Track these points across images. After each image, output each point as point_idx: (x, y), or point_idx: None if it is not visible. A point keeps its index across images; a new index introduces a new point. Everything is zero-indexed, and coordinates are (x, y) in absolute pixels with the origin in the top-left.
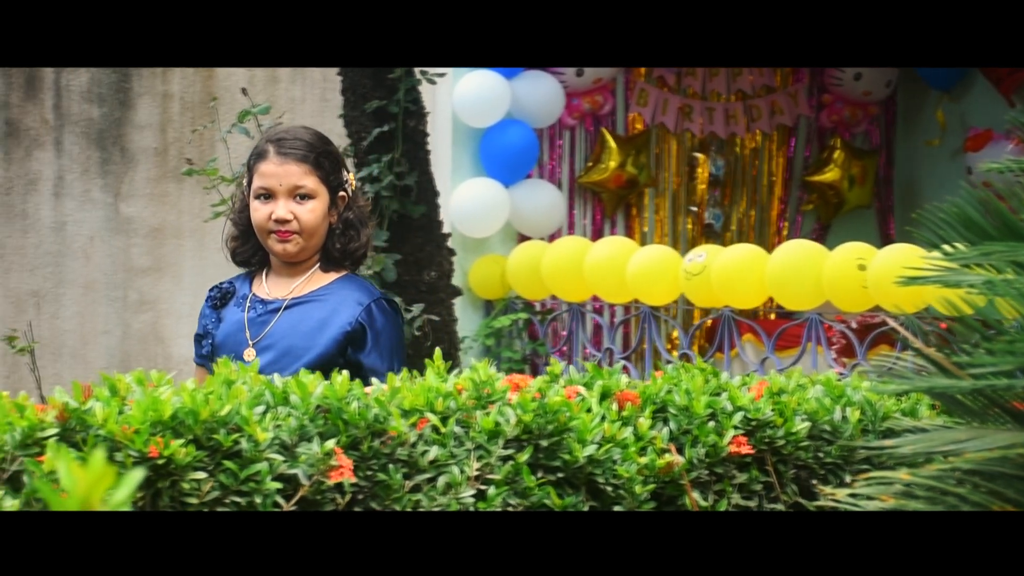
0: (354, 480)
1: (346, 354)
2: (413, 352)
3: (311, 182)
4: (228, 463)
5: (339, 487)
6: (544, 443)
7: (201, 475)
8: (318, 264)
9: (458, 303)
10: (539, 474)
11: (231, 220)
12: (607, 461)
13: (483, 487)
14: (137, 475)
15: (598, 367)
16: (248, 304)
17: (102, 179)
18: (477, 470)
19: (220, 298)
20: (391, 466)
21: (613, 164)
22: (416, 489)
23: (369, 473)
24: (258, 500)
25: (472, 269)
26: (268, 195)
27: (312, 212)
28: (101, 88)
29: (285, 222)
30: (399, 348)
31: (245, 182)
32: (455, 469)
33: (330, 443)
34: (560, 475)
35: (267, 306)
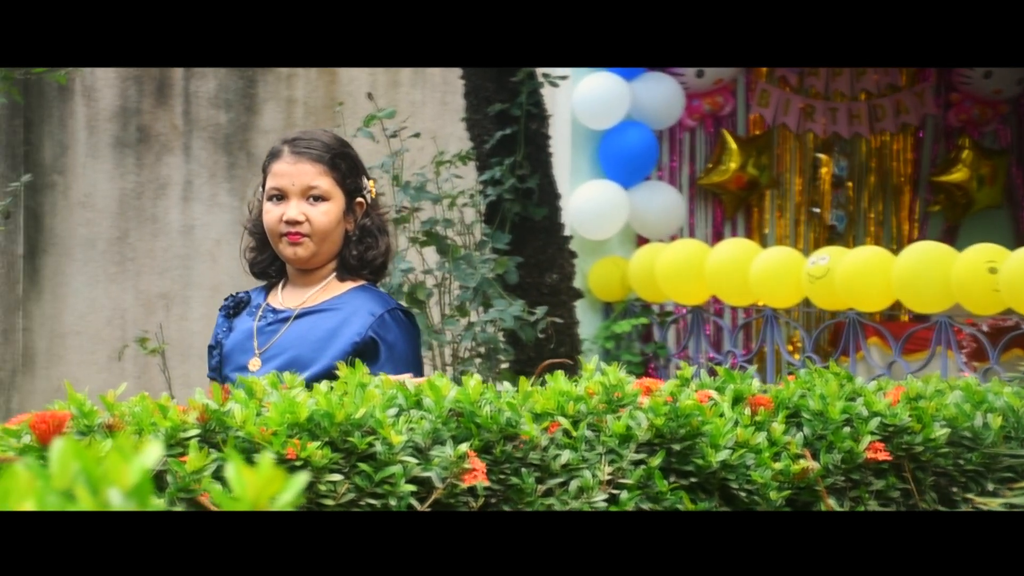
0: (487, 483)
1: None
2: (535, 355)
3: (325, 183)
4: (363, 465)
5: (472, 490)
6: (676, 447)
7: (337, 477)
8: (334, 273)
9: (578, 305)
10: (671, 479)
11: (247, 229)
12: (740, 466)
13: (615, 491)
14: (303, 478)
15: (730, 371)
16: (260, 313)
17: (228, 183)
18: (609, 474)
19: (234, 307)
20: (523, 470)
21: (734, 165)
22: (548, 493)
23: (502, 477)
24: (392, 502)
25: (591, 271)
26: (281, 196)
27: (325, 215)
28: (228, 94)
29: (296, 223)
30: (415, 360)
31: (260, 187)
32: (587, 473)
33: (463, 446)
34: (693, 480)
35: (277, 315)
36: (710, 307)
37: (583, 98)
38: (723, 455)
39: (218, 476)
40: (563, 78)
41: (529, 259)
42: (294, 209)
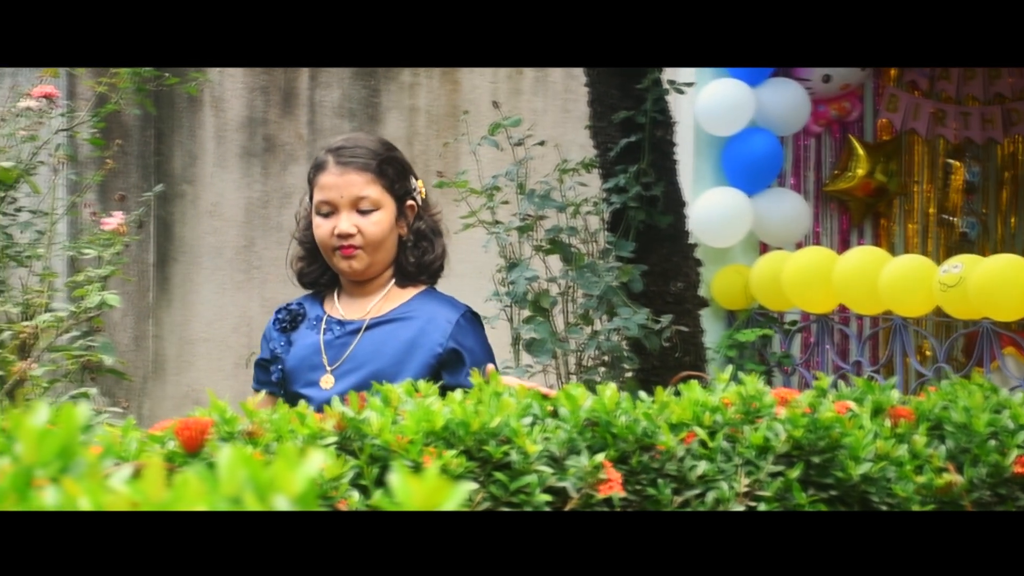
0: (623, 494)
1: (438, 378)
2: (659, 364)
3: (374, 192)
4: (498, 474)
5: (608, 501)
6: (816, 459)
7: (473, 485)
8: (393, 280)
9: (702, 314)
10: (810, 491)
11: (296, 239)
12: (882, 479)
13: (752, 503)
14: (468, 487)
15: (869, 382)
16: (323, 326)
17: None
18: (747, 486)
19: (290, 320)
20: (660, 480)
21: (861, 172)
22: (685, 504)
23: (638, 487)
24: (528, 512)
25: (714, 280)
26: (330, 209)
27: (377, 224)
28: (351, 103)
29: (348, 236)
30: (490, 359)
31: (308, 198)
32: (724, 485)
33: (599, 456)
34: (832, 493)
35: (345, 327)
36: (835, 316)
37: (706, 104)
38: (864, 468)
39: (355, 484)
40: (689, 84)
41: (654, 267)
42: (345, 222)
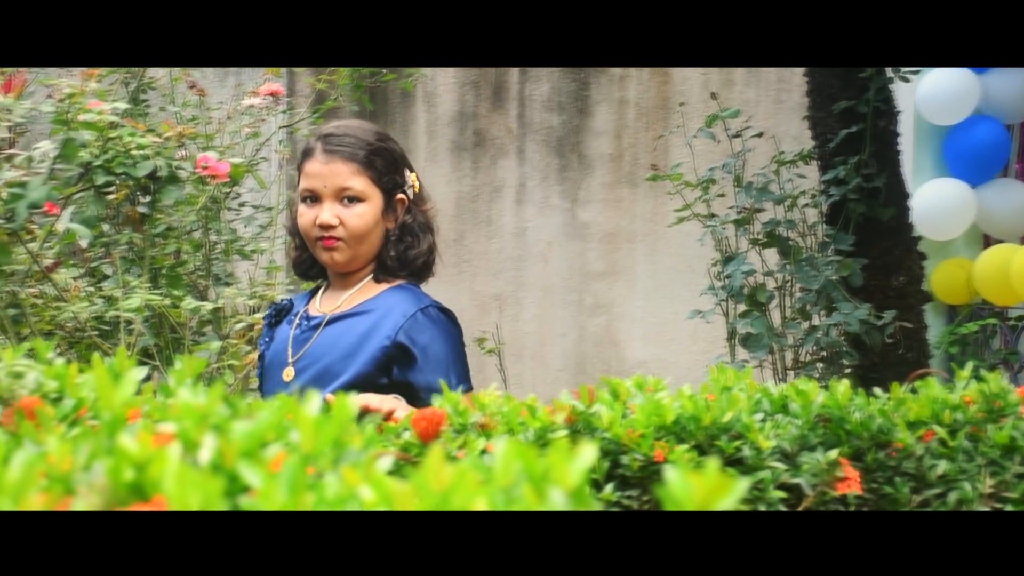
0: (860, 492)
1: (391, 374)
2: (880, 360)
3: (360, 183)
4: (730, 470)
5: (842, 499)
6: None
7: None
8: (371, 275)
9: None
10: None
11: (287, 228)
12: None
13: (998, 505)
14: (744, 484)
15: None
16: (296, 321)
17: (560, 185)
18: (991, 487)
19: (275, 315)
20: (897, 479)
21: None
22: (924, 504)
23: (874, 486)
24: (761, 508)
25: (934, 273)
26: (314, 197)
27: (360, 217)
28: (561, 96)
29: (330, 227)
30: (456, 361)
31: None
32: (966, 485)
33: (833, 453)
34: None
35: (311, 322)
36: None
37: (928, 93)
38: None
39: None
40: (915, 72)
41: (875, 261)
42: (327, 212)
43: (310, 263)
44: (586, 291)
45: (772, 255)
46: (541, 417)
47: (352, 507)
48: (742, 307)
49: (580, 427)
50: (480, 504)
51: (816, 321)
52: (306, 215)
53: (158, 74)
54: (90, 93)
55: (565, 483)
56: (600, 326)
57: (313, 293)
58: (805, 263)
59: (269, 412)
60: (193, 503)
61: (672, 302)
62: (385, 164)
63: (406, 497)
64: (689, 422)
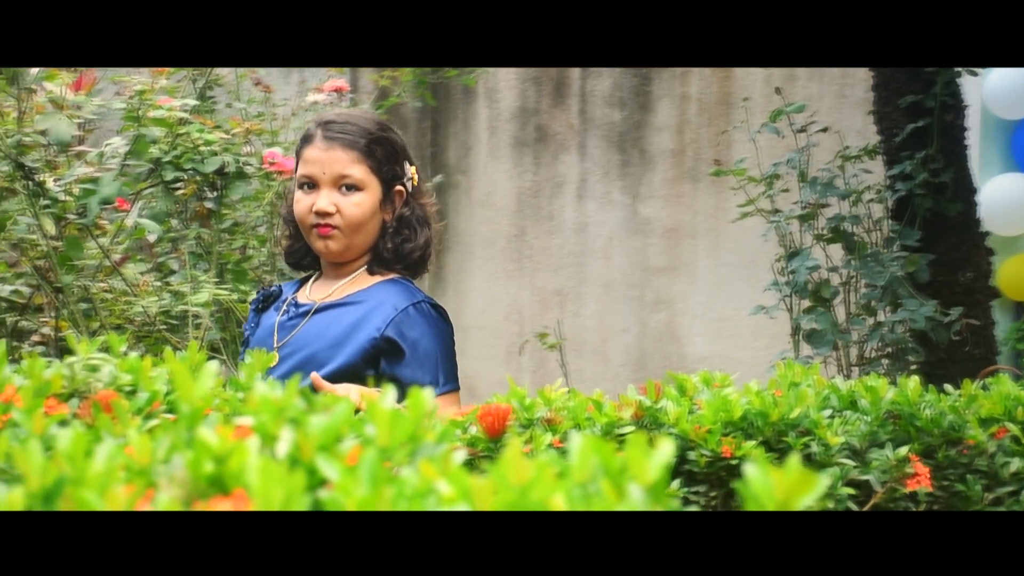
0: (931, 489)
1: (378, 366)
2: (946, 357)
3: (359, 172)
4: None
5: (912, 496)
6: None
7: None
8: (365, 266)
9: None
10: None
11: (283, 216)
12: None
13: None
14: (825, 481)
15: None
16: (284, 307)
17: (621, 181)
18: None
19: (263, 301)
20: (969, 477)
21: None
22: (997, 502)
23: (945, 483)
24: (830, 505)
25: (1001, 269)
26: (312, 184)
27: (358, 206)
28: (623, 92)
29: (327, 215)
30: (445, 358)
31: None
32: None
33: (903, 449)
34: None
35: (299, 309)
36: None
37: (996, 87)
38: None
39: None
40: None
41: (941, 256)
42: (324, 200)
43: (303, 252)
44: (647, 287)
45: (837, 251)
46: (608, 413)
47: (431, 500)
48: (806, 303)
49: (647, 423)
50: (558, 499)
51: (881, 317)
52: (303, 201)
53: (224, 71)
54: (159, 90)
55: (643, 478)
56: (661, 322)
57: (303, 281)
58: (870, 259)
59: (344, 407)
60: (276, 496)
61: (734, 298)
62: (385, 154)
63: (484, 491)
64: (757, 418)
